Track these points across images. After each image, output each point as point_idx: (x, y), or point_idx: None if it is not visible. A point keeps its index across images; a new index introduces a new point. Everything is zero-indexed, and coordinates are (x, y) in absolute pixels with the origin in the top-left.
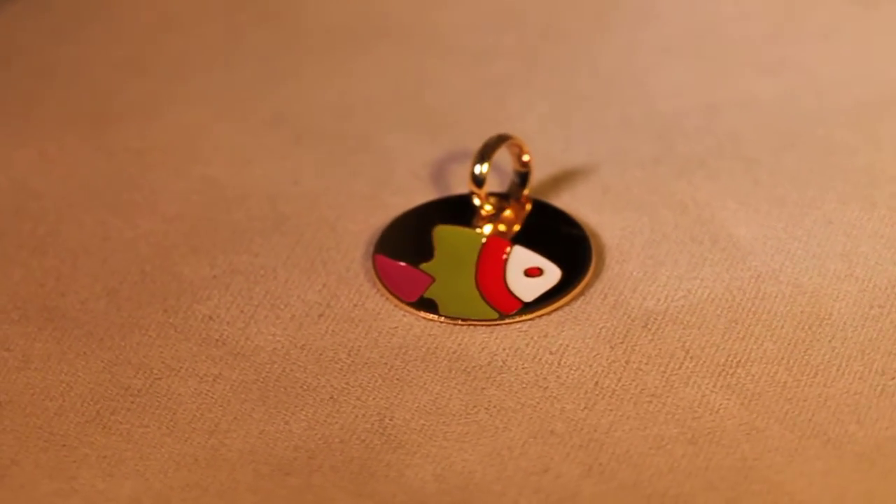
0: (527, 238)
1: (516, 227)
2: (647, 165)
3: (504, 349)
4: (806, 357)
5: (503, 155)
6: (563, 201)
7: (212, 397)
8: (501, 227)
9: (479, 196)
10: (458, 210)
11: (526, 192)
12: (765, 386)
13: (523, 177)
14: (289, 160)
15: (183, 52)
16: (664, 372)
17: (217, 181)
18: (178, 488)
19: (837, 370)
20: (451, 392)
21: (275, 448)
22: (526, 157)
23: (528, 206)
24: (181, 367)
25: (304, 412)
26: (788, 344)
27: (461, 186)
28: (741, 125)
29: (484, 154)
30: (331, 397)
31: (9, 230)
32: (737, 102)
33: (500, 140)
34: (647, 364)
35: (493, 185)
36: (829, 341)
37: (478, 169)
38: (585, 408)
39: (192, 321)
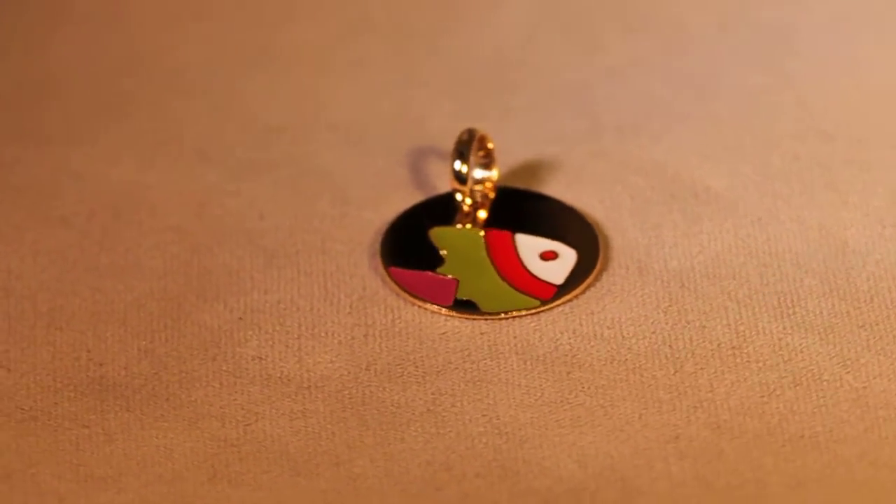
0: (522, 225)
1: (484, 215)
2: (587, 139)
3: (562, 332)
4: (851, 284)
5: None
6: (530, 187)
7: (313, 431)
8: (480, 218)
9: (463, 193)
10: (439, 210)
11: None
12: (831, 318)
13: (487, 166)
14: (241, 197)
15: (87, 106)
16: (728, 324)
17: (184, 229)
18: None
19: (889, 290)
20: (538, 382)
21: (408, 466)
22: (490, 145)
23: (492, 195)
24: (263, 410)
25: (411, 428)
26: (826, 276)
27: (420, 189)
28: (652, 86)
29: (462, 151)
30: (428, 409)
31: (11, 311)
32: (641, 63)
33: (472, 134)
34: (707, 320)
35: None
36: (864, 266)
37: (458, 165)
38: (676, 371)
39: (244, 365)
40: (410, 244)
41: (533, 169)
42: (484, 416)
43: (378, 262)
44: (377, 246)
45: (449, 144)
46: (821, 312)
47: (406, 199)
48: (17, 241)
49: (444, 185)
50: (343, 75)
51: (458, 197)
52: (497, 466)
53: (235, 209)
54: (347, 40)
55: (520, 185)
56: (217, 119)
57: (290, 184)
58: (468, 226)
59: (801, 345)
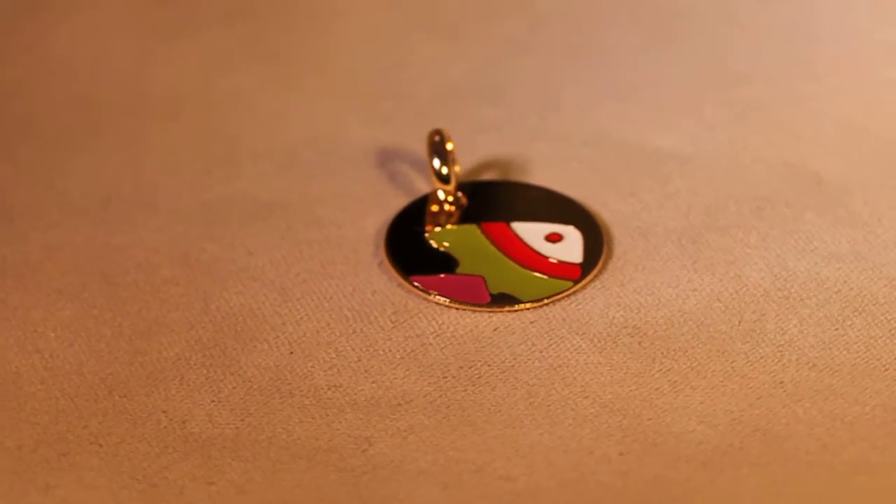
0: (510, 214)
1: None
2: (513, 125)
3: (608, 307)
4: (852, 209)
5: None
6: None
7: (433, 443)
8: (450, 210)
9: (448, 192)
10: (421, 214)
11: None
12: (842, 245)
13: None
14: (217, 239)
15: None
16: (760, 268)
17: (181, 279)
18: None
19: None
20: (617, 357)
21: (549, 459)
22: (450, 146)
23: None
24: (371, 434)
25: (526, 422)
26: (819, 204)
27: (382, 197)
28: (545, 65)
29: (439, 152)
30: (529, 403)
31: (65, 389)
32: (537, 45)
33: (444, 135)
34: (738, 269)
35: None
36: (861, 191)
37: (437, 164)
38: (740, 322)
39: (324, 395)
40: (417, 252)
41: (481, 161)
42: (587, 398)
43: (392, 273)
44: (381, 258)
45: (375, 150)
46: (835, 241)
47: (374, 209)
48: (27, 320)
49: (407, 189)
50: (241, 106)
51: (442, 196)
52: (633, 441)
53: (219, 251)
54: (226, 71)
55: (478, 178)
56: (149, 170)
57: (256, 218)
58: (451, 226)
59: (837, 274)
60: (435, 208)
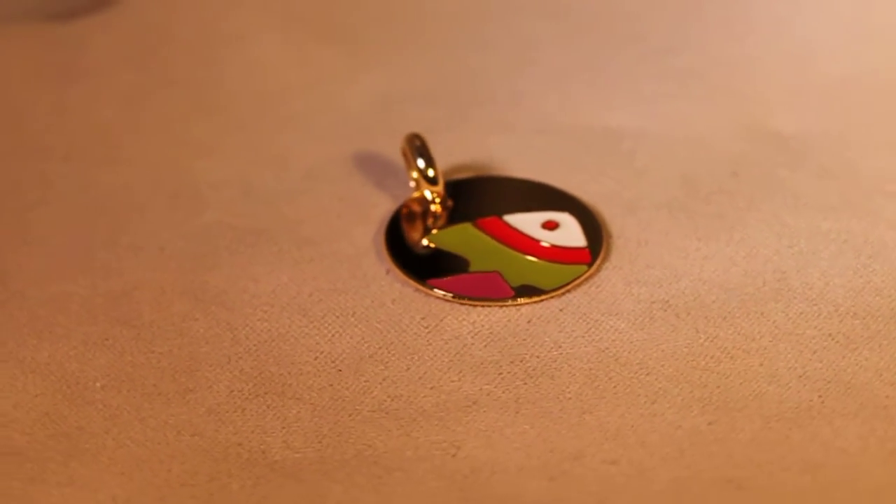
0: (497, 208)
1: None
2: (458, 126)
3: (632, 285)
4: (822, 161)
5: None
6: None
7: (543, 436)
8: (438, 212)
9: (437, 193)
10: (409, 218)
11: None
12: (830, 197)
13: None
14: (221, 269)
15: None
16: (771, 243)
17: (196, 314)
18: None
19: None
20: (681, 332)
21: (668, 433)
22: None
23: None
24: (454, 438)
25: (623, 405)
26: (796, 161)
27: (359, 208)
28: (468, 61)
29: (423, 154)
30: (604, 387)
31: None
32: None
33: (421, 137)
34: (744, 234)
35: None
36: (824, 142)
37: (422, 164)
38: (784, 288)
39: (389, 407)
40: (421, 257)
41: (442, 162)
42: (649, 375)
43: (405, 280)
44: (388, 267)
45: (330, 167)
46: (822, 193)
47: (356, 221)
48: (66, 373)
49: (381, 198)
50: (174, 138)
51: (430, 197)
52: (715, 410)
53: (224, 282)
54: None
55: (448, 178)
56: (113, 213)
57: (244, 245)
58: (446, 227)
59: (839, 225)
60: (418, 209)
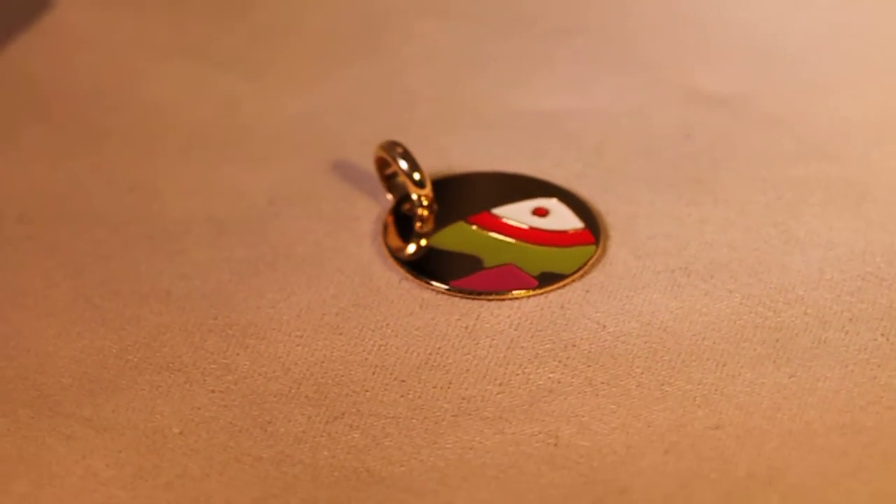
0: (482, 203)
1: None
2: (401, 130)
3: (647, 257)
4: (771, 112)
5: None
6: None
7: (614, 423)
8: (425, 213)
9: (425, 196)
10: (403, 227)
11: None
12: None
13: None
14: (246, 300)
15: None
16: (763, 211)
17: (232, 351)
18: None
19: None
20: (706, 300)
21: (759, 404)
22: None
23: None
24: (549, 429)
25: (701, 371)
26: (746, 117)
27: (347, 220)
28: (382, 67)
29: (408, 159)
30: (675, 358)
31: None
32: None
33: (400, 144)
34: (731, 198)
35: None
36: (765, 96)
37: (407, 167)
38: (799, 252)
39: (469, 408)
40: (431, 262)
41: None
42: (715, 342)
43: (424, 287)
44: (401, 277)
45: (291, 193)
46: (794, 141)
47: (350, 237)
48: (146, 427)
49: (360, 211)
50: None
51: (417, 200)
52: (799, 366)
53: (249, 314)
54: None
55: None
56: (107, 267)
57: (245, 275)
58: (424, 231)
59: (827, 170)
60: (406, 208)
